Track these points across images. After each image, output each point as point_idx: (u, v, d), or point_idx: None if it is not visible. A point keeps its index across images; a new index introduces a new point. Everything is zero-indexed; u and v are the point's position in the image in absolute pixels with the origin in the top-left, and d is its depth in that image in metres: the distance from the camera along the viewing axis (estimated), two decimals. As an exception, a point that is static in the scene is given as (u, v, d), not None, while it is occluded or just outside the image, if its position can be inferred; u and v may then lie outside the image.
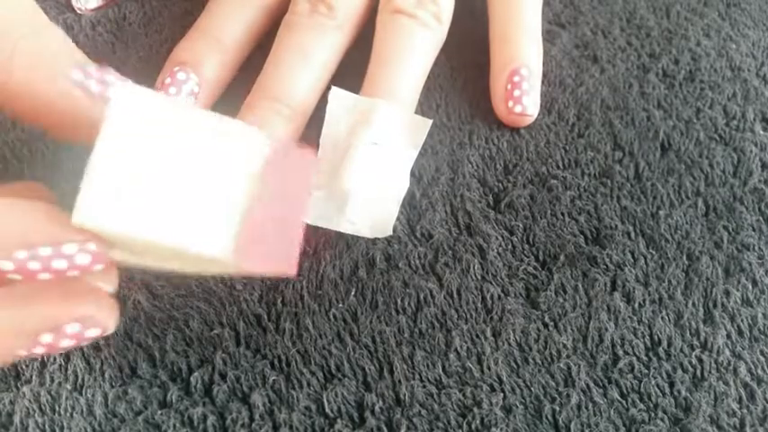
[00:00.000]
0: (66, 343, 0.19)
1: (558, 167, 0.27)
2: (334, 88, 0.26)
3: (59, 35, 0.20)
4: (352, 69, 0.28)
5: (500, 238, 0.25)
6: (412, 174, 0.26)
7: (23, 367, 0.22)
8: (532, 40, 0.29)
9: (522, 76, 0.27)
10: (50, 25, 0.19)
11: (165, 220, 0.18)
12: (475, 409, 0.21)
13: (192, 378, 0.22)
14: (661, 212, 0.25)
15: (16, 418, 0.21)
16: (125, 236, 0.18)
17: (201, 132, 0.18)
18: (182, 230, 0.18)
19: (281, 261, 0.20)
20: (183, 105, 0.19)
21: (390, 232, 0.24)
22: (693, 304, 0.23)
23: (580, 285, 0.24)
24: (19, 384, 0.22)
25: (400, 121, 0.25)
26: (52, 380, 0.22)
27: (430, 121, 0.26)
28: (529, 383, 0.22)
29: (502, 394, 0.21)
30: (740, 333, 0.23)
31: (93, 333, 0.19)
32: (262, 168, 0.19)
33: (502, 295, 0.23)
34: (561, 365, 0.22)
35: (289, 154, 0.20)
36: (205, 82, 0.27)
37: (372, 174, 0.25)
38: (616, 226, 0.25)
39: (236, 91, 0.27)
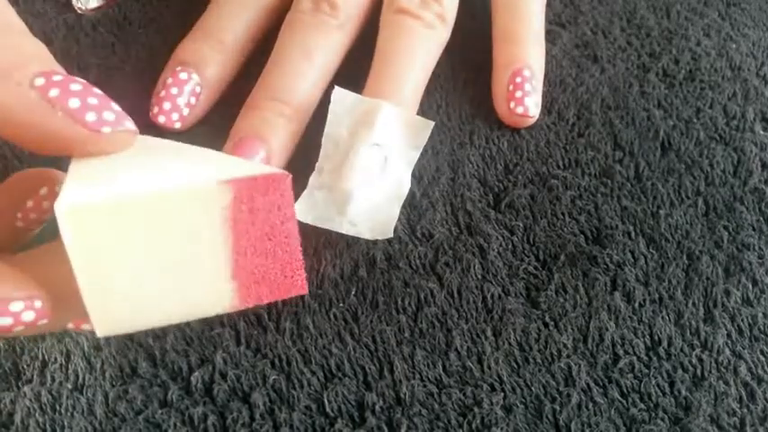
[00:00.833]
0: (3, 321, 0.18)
1: (559, 167, 0.27)
2: (336, 88, 0.26)
3: (30, 41, 0.18)
4: (355, 69, 0.28)
5: (500, 237, 0.25)
6: (412, 174, 0.26)
7: (24, 367, 0.22)
8: (535, 40, 0.29)
9: (524, 77, 0.27)
10: (23, 32, 0.18)
11: (168, 306, 0.19)
12: (475, 409, 0.21)
13: (192, 377, 0.22)
14: (661, 212, 0.25)
15: (17, 418, 0.21)
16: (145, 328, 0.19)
17: (156, 210, 0.18)
18: (186, 307, 0.19)
19: (290, 285, 0.21)
20: (128, 189, 0.18)
21: (391, 234, 0.24)
22: (694, 304, 0.23)
23: (580, 285, 0.24)
24: (20, 384, 0.22)
25: (402, 122, 0.25)
26: (53, 379, 0.22)
27: (432, 123, 0.26)
28: (529, 383, 0.22)
29: (502, 394, 0.21)
30: (740, 333, 0.23)
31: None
32: (227, 217, 0.19)
33: (502, 295, 0.23)
34: (561, 365, 0.22)
35: (253, 188, 0.19)
36: (207, 82, 0.27)
37: (374, 175, 0.25)
38: (616, 226, 0.25)
39: (238, 91, 0.27)
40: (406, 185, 0.25)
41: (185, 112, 0.27)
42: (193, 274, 0.19)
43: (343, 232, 0.24)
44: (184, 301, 0.19)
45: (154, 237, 0.18)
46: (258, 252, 0.20)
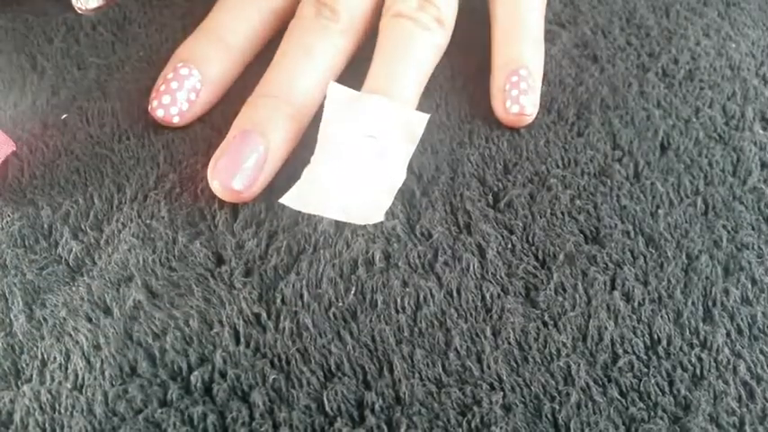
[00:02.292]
0: None
1: (558, 166, 0.27)
2: (332, 83, 0.26)
3: None
4: (354, 72, 0.28)
5: (499, 237, 0.25)
6: (412, 172, 0.26)
7: (23, 366, 0.22)
8: (533, 40, 0.29)
9: (520, 77, 0.27)
10: None
11: None
12: (474, 408, 0.21)
13: (191, 377, 0.22)
14: (660, 211, 0.25)
15: (16, 417, 0.21)
16: None
17: None
18: None
19: None
20: None
21: (381, 218, 0.24)
22: (693, 303, 0.23)
23: (579, 284, 0.24)
24: (19, 383, 0.22)
25: (397, 115, 0.26)
26: (52, 379, 0.22)
27: (427, 116, 0.26)
28: (528, 382, 0.22)
29: (501, 393, 0.21)
30: (739, 332, 0.23)
31: None
32: None
33: (501, 294, 0.23)
34: (561, 364, 0.22)
35: None
36: (208, 80, 0.27)
37: (367, 165, 0.25)
38: (615, 225, 0.25)
39: (240, 91, 0.27)
40: (400, 177, 0.25)
41: (184, 107, 0.27)
42: None
43: (334, 218, 0.24)
44: None
45: None
46: None
